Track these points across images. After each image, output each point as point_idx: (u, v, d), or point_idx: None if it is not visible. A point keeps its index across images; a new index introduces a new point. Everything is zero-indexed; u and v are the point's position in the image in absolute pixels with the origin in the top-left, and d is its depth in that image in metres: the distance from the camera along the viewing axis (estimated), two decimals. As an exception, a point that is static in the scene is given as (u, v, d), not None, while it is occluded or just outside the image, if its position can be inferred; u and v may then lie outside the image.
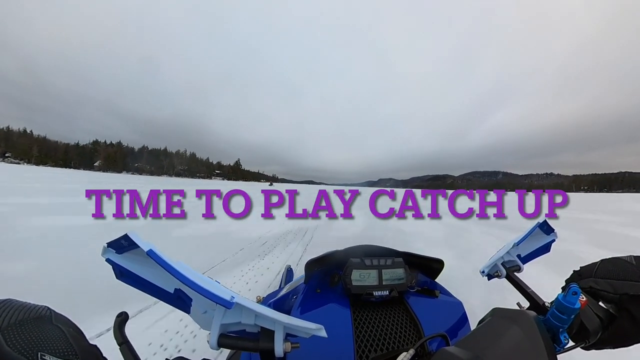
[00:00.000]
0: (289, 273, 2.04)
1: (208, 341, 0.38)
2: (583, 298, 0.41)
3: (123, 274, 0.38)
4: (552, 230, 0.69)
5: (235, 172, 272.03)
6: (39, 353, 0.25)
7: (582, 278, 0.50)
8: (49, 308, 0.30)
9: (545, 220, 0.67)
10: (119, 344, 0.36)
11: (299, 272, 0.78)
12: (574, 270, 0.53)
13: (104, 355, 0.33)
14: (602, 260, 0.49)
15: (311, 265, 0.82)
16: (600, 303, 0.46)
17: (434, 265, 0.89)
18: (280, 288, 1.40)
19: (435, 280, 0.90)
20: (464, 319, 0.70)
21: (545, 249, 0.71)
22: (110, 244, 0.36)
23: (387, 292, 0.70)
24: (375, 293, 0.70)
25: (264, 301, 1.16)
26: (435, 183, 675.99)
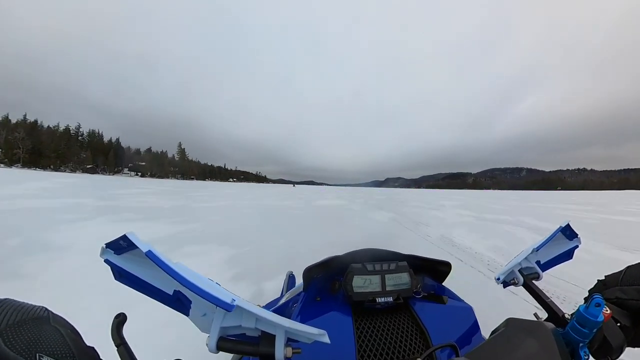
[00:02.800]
0: (290, 280, 2.02)
1: (207, 344, 0.39)
2: (607, 310, 0.38)
3: (122, 275, 0.39)
4: (576, 235, 0.66)
5: (158, 164, 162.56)
6: (37, 354, 0.26)
7: (607, 288, 0.49)
8: (46, 309, 0.31)
9: (568, 224, 0.64)
10: (116, 346, 0.37)
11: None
12: (598, 280, 0.52)
13: (101, 357, 0.33)
14: (628, 267, 0.48)
15: (310, 271, 0.81)
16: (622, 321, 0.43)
17: (441, 268, 0.87)
18: (282, 295, 1.40)
19: (443, 284, 0.88)
20: (475, 326, 0.68)
21: (567, 255, 0.68)
22: (109, 245, 0.37)
23: (391, 299, 0.70)
24: (379, 300, 0.69)
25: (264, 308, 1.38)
26: (453, 182, 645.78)
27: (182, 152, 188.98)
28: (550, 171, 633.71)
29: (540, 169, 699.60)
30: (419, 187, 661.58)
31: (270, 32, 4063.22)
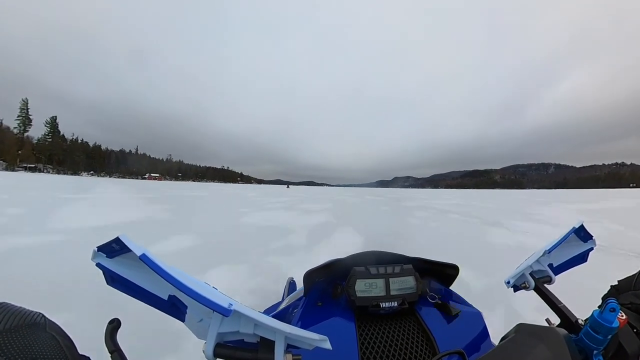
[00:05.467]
0: (291, 286, 2.02)
1: (203, 351, 0.38)
2: (622, 316, 0.37)
3: (114, 280, 0.39)
4: (590, 236, 0.65)
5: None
6: None
7: (621, 293, 0.48)
8: (43, 315, 0.30)
9: (582, 225, 0.63)
10: (110, 352, 0.37)
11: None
12: (611, 285, 0.52)
13: None
14: None
15: (310, 275, 0.80)
16: None
17: (448, 272, 0.86)
18: (282, 300, 1.40)
19: (450, 287, 0.87)
20: (484, 332, 0.66)
21: (582, 258, 0.67)
22: (101, 248, 0.36)
23: (396, 304, 0.69)
24: (383, 304, 0.68)
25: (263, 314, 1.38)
26: (480, 181, 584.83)
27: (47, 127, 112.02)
28: (583, 167, 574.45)
29: (570, 165, 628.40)
30: (435, 187, 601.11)
31: (264, 19, 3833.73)
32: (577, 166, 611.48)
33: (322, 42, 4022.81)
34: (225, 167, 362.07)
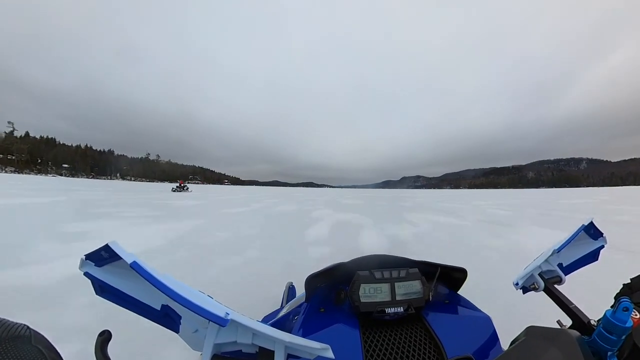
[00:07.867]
0: (290, 291, 1.97)
1: None
2: (636, 315, 0.38)
3: (104, 290, 0.38)
4: (601, 234, 0.64)
5: None
6: None
7: (634, 291, 0.48)
8: (28, 327, 0.30)
9: (591, 222, 0.62)
10: None
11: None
12: (623, 284, 0.52)
13: None
14: None
15: (312, 280, 0.78)
16: None
17: (456, 275, 0.84)
18: (281, 307, 1.38)
19: (458, 292, 0.86)
20: (493, 337, 0.65)
21: (592, 256, 0.66)
22: (89, 256, 0.36)
23: (401, 309, 0.68)
24: (388, 310, 0.68)
25: (262, 322, 1.32)
26: (505, 179, 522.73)
27: None
28: (622, 160, 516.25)
29: (604, 159, 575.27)
30: (455, 187, 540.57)
31: (261, 12, 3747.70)
32: (613, 160, 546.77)
33: (322, 33, 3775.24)
34: (155, 159, 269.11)
